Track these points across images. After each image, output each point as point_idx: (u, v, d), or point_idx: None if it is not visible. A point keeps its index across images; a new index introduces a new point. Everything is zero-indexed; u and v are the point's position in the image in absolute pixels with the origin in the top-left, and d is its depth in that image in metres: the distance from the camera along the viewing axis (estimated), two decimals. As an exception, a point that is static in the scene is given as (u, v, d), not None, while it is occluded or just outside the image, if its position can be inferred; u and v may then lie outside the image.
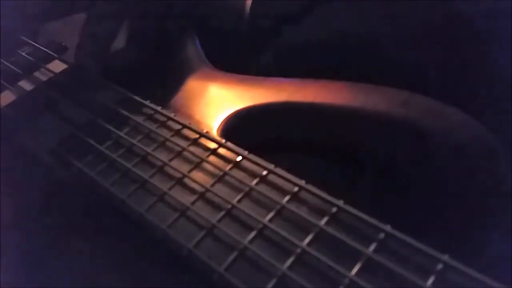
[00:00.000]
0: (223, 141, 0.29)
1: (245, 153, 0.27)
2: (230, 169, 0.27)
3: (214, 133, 0.31)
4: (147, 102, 0.33)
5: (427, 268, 0.20)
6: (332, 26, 0.37)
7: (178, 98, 0.36)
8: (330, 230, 0.22)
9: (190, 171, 0.27)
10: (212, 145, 0.29)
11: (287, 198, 0.24)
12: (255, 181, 0.26)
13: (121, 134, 0.31)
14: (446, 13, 0.32)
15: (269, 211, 0.24)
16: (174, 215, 0.25)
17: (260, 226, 0.23)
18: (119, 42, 0.38)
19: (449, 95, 0.28)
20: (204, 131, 0.30)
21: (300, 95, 0.32)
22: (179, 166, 0.28)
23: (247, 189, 0.25)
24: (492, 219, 0.25)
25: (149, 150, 0.29)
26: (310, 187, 0.25)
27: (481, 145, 0.27)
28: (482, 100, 0.29)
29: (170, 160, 0.28)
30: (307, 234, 0.22)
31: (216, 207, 0.25)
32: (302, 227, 0.23)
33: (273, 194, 0.25)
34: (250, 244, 0.23)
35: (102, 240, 0.27)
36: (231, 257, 0.22)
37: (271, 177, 0.26)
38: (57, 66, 0.38)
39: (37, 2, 0.37)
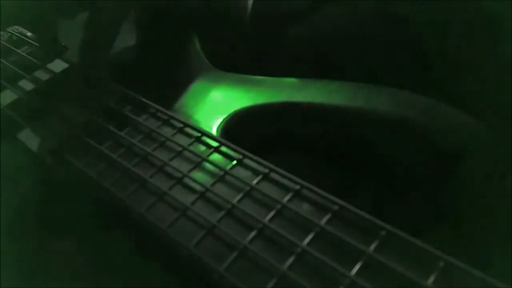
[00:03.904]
0: (223, 140, 0.29)
1: (245, 152, 0.27)
2: (230, 168, 0.27)
3: (214, 133, 0.31)
4: (147, 101, 0.33)
5: (428, 267, 0.20)
6: (333, 26, 0.37)
7: (178, 98, 0.36)
8: (331, 229, 0.22)
9: (190, 170, 0.27)
10: (212, 145, 0.29)
11: (287, 197, 0.24)
12: (255, 181, 0.26)
13: (121, 133, 0.31)
14: (446, 13, 0.32)
15: (269, 210, 0.24)
16: (174, 215, 0.25)
17: (260, 225, 0.23)
18: (119, 41, 0.38)
19: (449, 95, 0.28)
20: (204, 130, 0.30)
21: (300, 95, 0.32)
22: (179, 166, 0.28)
23: (247, 188, 0.25)
24: (492, 219, 0.25)
25: (149, 149, 0.29)
26: (310, 186, 0.25)
27: (481, 145, 0.27)
28: (482, 100, 0.29)
29: (170, 159, 0.28)
30: (307, 234, 0.22)
31: (216, 207, 0.25)
32: (302, 227, 0.23)
33: (273, 194, 0.25)
34: (250, 244, 0.23)
35: (102, 240, 0.27)
36: (231, 257, 0.22)
37: (271, 177, 0.26)
38: (57, 66, 0.38)
39: (38, 1, 0.37)
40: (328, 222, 0.23)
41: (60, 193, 0.30)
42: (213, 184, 0.26)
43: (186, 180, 0.27)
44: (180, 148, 0.29)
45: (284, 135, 0.33)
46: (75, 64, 0.38)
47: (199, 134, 0.30)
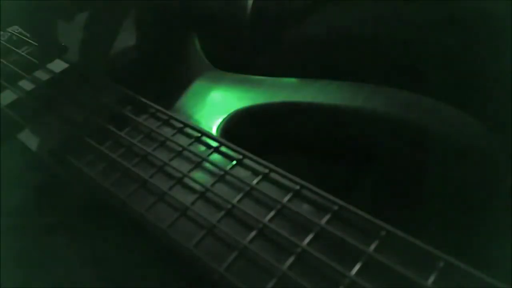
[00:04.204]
0: (223, 140, 0.29)
1: (245, 153, 0.27)
2: (230, 169, 0.27)
3: (214, 133, 0.31)
4: (147, 101, 0.33)
5: (428, 267, 0.20)
6: (332, 26, 0.37)
7: (178, 98, 0.36)
8: (331, 229, 0.22)
9: (190, 170, 0.27)
10: (212, 145, 0.29)
11: (287, 197, 0.24)
12: (255, 181, 0.26)
13: (121, 133, 0.31)
14: (446, 13, 0.32)
15: (269, 210, 0.24)
16: (174, 215, 0.25)
17: (260, 225, 0.23)
18: (119, 41, 0.38)
19: (449, 95, 0.28)
20: (204, 130, 0.30)
21: (300, 95, 0.32)
22: (179, 166, 0.28)
23: (247, 188, 0.25)
24: (492, 219, 0.25)
25: (149, 149, 0.29)
26: (310, 186, 0.25)
27: (481, 145, 0.27)
28: (482, 100, 0.29)
29: (170, 159, 0.28)
30: (308, 234, 0.22)
31: (216, 207, 0.25)
32: (302, 227, 0.23)
33: (273, 194, 0.25)
34: (250, 244, 0.23)
35: (102, 240, 0.27)
36: (231, 257, 0.22)
37: (271, 177, 0.26)
38: (57, 66, 0.38)
39: (38, 1, 0.38)
40: (328, 222, 0.23)
41: (60, 193, 0.30)
42: (213, 184, 0.26)
43: (186, 180, 0.27)
44: (180, 148, 0.29)
45: (284, 135, 0.33)
46: (75, 64, 0.38)
47: (199, 134, 0.30)
